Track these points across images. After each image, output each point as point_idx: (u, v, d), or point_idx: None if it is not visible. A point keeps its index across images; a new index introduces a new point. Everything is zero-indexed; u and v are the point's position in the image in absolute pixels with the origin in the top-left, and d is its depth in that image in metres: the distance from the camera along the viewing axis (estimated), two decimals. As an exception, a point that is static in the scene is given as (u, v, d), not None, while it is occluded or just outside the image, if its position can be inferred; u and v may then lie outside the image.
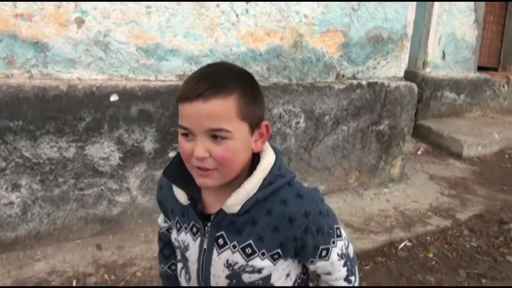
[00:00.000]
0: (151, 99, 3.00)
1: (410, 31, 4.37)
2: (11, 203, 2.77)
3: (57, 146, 2.79)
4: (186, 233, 1.31)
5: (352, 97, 4.00)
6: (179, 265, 1.41)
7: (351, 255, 1.34)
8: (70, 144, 2.83)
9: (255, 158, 1.23)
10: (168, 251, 1.58)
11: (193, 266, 1.30)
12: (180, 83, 3.01)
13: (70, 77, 2.83)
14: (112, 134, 2.94)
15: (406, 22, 4.29)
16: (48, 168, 2.81)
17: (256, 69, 3.44)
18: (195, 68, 3.18)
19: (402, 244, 3.45)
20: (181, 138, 1.16)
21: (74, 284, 2.64)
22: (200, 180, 1.16)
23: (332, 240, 1.26)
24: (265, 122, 1.21)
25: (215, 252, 1.25)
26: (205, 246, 1.26)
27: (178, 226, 1.34)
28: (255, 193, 1.17)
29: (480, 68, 7.27)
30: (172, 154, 3.18)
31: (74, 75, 2.84)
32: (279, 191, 1.20)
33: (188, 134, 1.12)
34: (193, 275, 1.32)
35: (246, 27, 3.33)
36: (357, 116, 4.09)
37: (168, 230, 1.54)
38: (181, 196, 1.26)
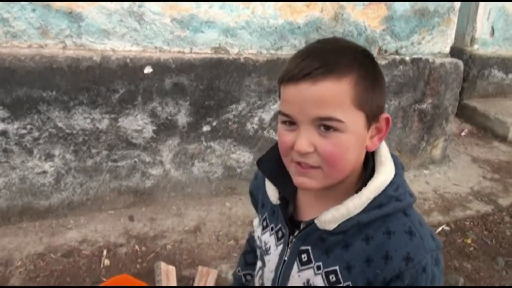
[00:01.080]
0: (185, 72, 2.96)
1: (457, 4, 4.15)
2: (45, 172, 2.80)
3: (91, 117, 2.79)
4: (270, 235, 1.16)
5: (394, 73, 3.85)
6: (258, 265, 1.26)
7: None
8: (104, 116, 2.82)
9: (368, 160, 1.04)
10: (251, 258, 1.44)
11: (269, 274, 1.15)
12: (215, 56, 2.97)
13: (104, 48, 2.80)
14: (145, 106, 2.91)
15: (454, -5, 4.09)
16: (81, 139, 2.81)
17: (294, 43, 3.34)
18: (231, 41, 3.12)
19: (440, 228, 3.34)
20: (281, 127, 0.99)
21: (104, 253, 2.66)
22: (298, 179, 0.99)
23: None
24: (385, 115, 1.00)
25: (295, 267, 1.08)
26: (285, 257, 1.10)
27: (265, 224, 1.20)
28: (358, 214, 0.98)
29: (531, 46, 6.94)
30: (206, 129, 3.14)
31: (107, 46, 2.81)
32: (388, 218, 0.99)
33: (290, 122, 0.96)
34: (267, 283, 1.17)
35: (285, -2, 3.22)
36: (399, 93, 3.95)
37: None
38: (271, 193, 1.12)
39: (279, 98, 1.00)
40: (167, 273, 2.50)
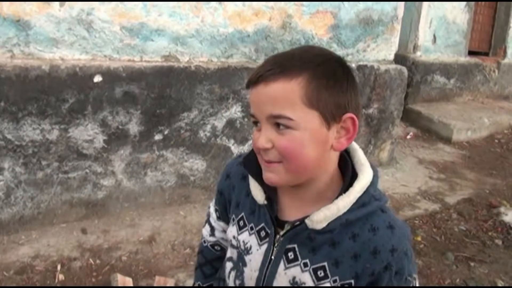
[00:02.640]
0: (136, 80, 2.94)
1: (400, 13, 4.32)
2: (-7, 186, 2.72)
3: (40, 128, 2.73)
4: (250, 235, 1.16)
5: (341, 80, 3.95)
6: (229, 266, 1.24)
7: None
8: (53, 126, 2.77)
9: (345, 165, 1.09)
10: (209, 270, 1.41)
11: (252, 273, 1.15)
12: (166, 64, 2.97)
13: (53, 57, 2.76)
14: (96, 116, 2.88)
15: (397, 4, 4.24)
16: (31, 150, 2.75)
17: (244, 51, 3.38)
18: (181, 49, 3.13)
19: (391, 228, 3.43)
20: (255, 129, 1.05)
21: (58, 268, 2.60)
22: (265, 175, 1.04)
23: None
24: (349, 114, 1.01)
25: (281, 265, 1.10)
26: (272, 256, 1.11)
27: (242, 223, 1.18)
28: (345, 213, 1.02)
29: (471, 53, 7.26)
30: (158, 138, 3.13)
31: (56, 55, 2.77)
32: (370, 216, 1.05)
33: (257, 122, 1.02)
34: (249, 283, 1.16)
35: (234, 7, 3.26)
36: (347, 99, 4.05)
37: (214, 246, 1.38)
38: (258, 193, 1.12)
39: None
40: (124, 285, 2.47)
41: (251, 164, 1.13)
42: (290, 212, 1.11)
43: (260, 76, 0.98)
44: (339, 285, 1.05)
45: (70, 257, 2.71)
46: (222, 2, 3.20)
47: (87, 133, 2.88)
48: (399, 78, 4.40)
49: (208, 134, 3.33)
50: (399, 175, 4.47)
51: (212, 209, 1.36)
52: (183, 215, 3.26)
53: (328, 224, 1.02)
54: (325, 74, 0.99)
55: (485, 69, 7.33)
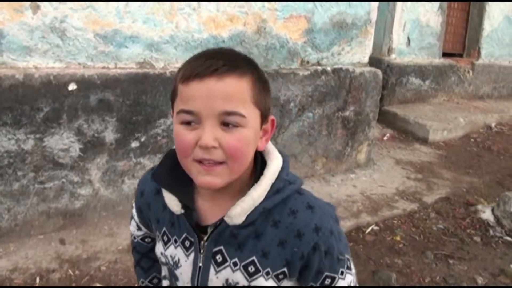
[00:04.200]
0: (110, 87, 2.93)
1: (374, 16, 4.38)
2: (-33, 198, 2.68)
3: (15, 138, 2.70)
4: (176, 247, 1.12)
5: (317, 83, 3.98)
6: (165, 283, 1.23)
7: None
8: (28, 136, 2.74)
9: (256, 160, 1.08)
10: (146, 263, 1.39)
11: (185, 286, 1.13)
12: (141, 70, 2.96)
13: (26, 65, 2.73)
14: (71, 124, 2.86)
15: (370, 8, 4.29)
16: (6, 161, 2.71)
17: (219, 56, 3.38)
18: (155, 55, 3.13)
19: (369, 228, 3.46)
20: (179, 128, 0.98)
21: (37, 281, 2.57)
22: (202, 179, 0.98)
23: (340, 270, 1.09)
24: (271, 117, 1.07)
25: (212, 270, 1.08)
26: (200, 264, 1.09)
27: (166, 238, 1.15)
28: (261, 202, 1.01)
29: (445, 54, 7.37)
30: (134, 145, 3.12)
31: (30, 64, 2.74)
32: (288, 200, 1.05)
33: (191, 122, 0.96)
34: None
35: (208, 13, 3.27)
36: (323, 102, 4.08)
37: (144, 239, 1.36)
38: (173, 203, 1.08)
39: (172, 100, 1.02)
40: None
41: (162, 175, 1.10)
42: (210, 216, 1.08)
43: (215, 70, 0.94)
44: (272, 276, 1.05)
45: (49, 268, 2.67)
46: (196, 8, 3.21)
47: (62, 142, 2.86)
48: (374, 80, 4.45)
49: (185, 140, 3.32)
50: (376, 176, 4.51)
51: (134, 211, 1.32)
52: (162, 223, 3.24)
53: (247, 217, 1.01)
54: (262, 78, 1.03)
55: (459, 70, 7.44)
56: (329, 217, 1.06)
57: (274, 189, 1.03)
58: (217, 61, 0.95)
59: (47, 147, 2.82)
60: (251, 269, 1.05)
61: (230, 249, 1.06)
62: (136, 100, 3.04)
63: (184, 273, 1.12)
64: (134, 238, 1.38)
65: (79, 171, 2.97)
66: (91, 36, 2.88)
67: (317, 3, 3.86)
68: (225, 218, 1.03)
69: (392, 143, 5.63)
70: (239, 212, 1.01)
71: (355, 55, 4.34)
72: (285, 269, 1.05)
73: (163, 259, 1.18)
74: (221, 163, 0.97)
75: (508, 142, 6.24)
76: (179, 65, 3.19)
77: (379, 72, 4.53)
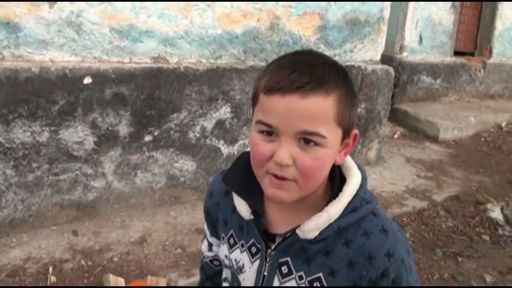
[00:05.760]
0: (125, 81, 2.96)
1: (387, 14, 4.37)
2: (-16, 189, 2.72)
3: (30, 130, 2.74)
4: (242, 252, 1.11)
5: (329, 80, 3.99)
6: (225, 285, 1.23)
7: None
8: (44, 128, 2.78)
9: (334, 174, 1.04)
10: (210, 285, 1.38)
11: None
12: (155, 65, 2.98)
13: (42, 59, 2.77)
14: (86, 118, 2.89)
15: (383, 6, 4.29)
16: (21, 153, 2.75)
17: (232, 52, 3.40)
18: (170, 50, 3.15)
19: (380, 226, 3.46)
20: (257, 137, 0.95)
21: (50, 270, 2.61)
22: (272, 191, 0.95)
23: None
24: (355, 131, 1.01)
25: (276, 280, 1.05)
26: (265, 272, 1.06)
27: (232, 241, 1.14)
28: (336, 219, 0.98)
29: (457, 53, 7.33)
30: (148, 139, 3.14)
31: (46, 57, 2.77)
32: (362, 220, 1.01)
33: (269, 132, 0.93)
34: None
35: (222, 8, 3.29)
36: (334, 99, 4.08)
37: (213, 261, 1.35)
38: (243, 208, 1.07)
39: (253, 103, 0.99)
40: (117, 285, 2.48)
41: (233, 179, 1.09)
42: (280, 224, 1.06)
43: (300, 87, 0.89)
44: None
45: (62, 259, 2.71)
46: (211, 4, 3.22)
47: (77, 135, 2.89)
48: (386, 78, 4.44)
49: (197, 135, 3.35)
50: (387, 173, 4.51)
51: (205, 225, 1.30)
52: (174, 216, 3.27)
53: (320, 233, 0.99)
54: (349, 92, 0.96)
55: (470, 69, 7.41)
56: (402, 245, 1.02)
57: (351, 207, 1.00)
58: (302, 76, 0.90)
59: (62, 139, 2.85)
60: (317, 285, 1.02)
61: (297, 262, 1.03)
62: (150, 95, 3.07)
63: (247, 280, 1.11)
64: (204, 258, 1.37)
65: (93, 163, 3.01)
66: (107, 30, 2.91)
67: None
68: (297, 231, 1.00)
69: (403, 141, 5.63)
70: (313, 227, 0.98)
71: (367, 52, 4.34)
72: None
73: (226, 262, 1.17)
74: (291, 180, 0.93)
75: (518, 142, 6.22)
76: (193, 60, 3.24)
77: (391, 69, 4.53)
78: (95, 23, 2.86)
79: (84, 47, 2.87)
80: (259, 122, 0.94)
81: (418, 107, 6.37)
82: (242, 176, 1.07)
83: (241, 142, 3.58)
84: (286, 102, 0.89)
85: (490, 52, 7.76)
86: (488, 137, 6.24)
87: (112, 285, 2.46)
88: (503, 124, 6.75)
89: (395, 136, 5.74)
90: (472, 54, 7.79)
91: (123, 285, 2.51)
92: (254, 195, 1.06)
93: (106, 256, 2.78)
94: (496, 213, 3.80)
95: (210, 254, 1.33)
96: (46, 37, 2.74)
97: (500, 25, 7.70)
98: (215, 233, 1.24)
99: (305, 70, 0.91)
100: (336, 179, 1.04)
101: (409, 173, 4.61)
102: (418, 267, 3.01)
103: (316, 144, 0.91)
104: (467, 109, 6.77)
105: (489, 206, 3.93)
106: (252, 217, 1.06)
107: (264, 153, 0.93)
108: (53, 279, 2.56)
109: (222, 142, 3.50)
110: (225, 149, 3.53)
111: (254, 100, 0.98)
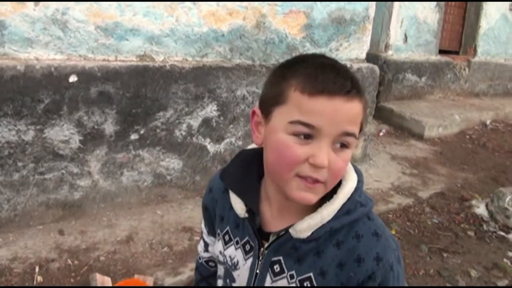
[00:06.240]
0: (111, 80, 2.95)
1: (372, 13, 4.40)
2: (-32, 188, 2.70)
3: (16, 129, 2.72)
4: (236, 249, 1.13)
5: (315, 78, 4.00)
6: (219, 283, 1.24)
7: None
8: (29, 127, 2.76)
9: None
10: (204, 285, 1.40)
11: None
12: (141, 63, 2.97)
13: (28, 57, 2.75)
14: (71, 116, 2.87)
15: (368, 4, 4.32)
16: (6, 152, 2.73)
17: (218, 50, 3.41)
18: (156, 48, 3.15)
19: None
20: (289, 139, 0.94)
21: (37, 270, 2.59)
22: (301, 194, 0.96)
23: None
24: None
25: (268, 279, 1.07)
26: (257, 270, 1.09)
27: (227, 238, 1.16)
28: (329, 221, 1.00)
29: (442, 52, 7.40)
30: (134, 137, 3.14)
31: (31, 55, 2.76)
32: (356, 222, 1.02)
33: (309, 135, 0.92)
34: None
35: (208, 6, 3.29)
36: (321, 97, 4.10)
37: (208, 262, 1.36)
38: (238, 206, 1.09)
39: (273, 103, 0.98)
40: (103, 284, 2.47)
41: (230, 176, 1.11)
42: (275, 223, 1.08)
43: (347, 92, 0.92)
44: None
45: (48, 258, 2.69)
46: (197, 2, 3.23)
47: (62, 134, 2.88)
48: (371, 76, 4.47)
49: (184, 133, 3.35)
50: (372, 171, 4.54)
51: (203, 224, 1.32)
52: (160, 214, 3.27)
53: (313, 233, 1.00)
54: (365, 98, 1.01)
55: (455, 67, 7.48)
56: (393, 251, 1.03)
57: (345, 210, 1.01)
58: (346, 81, 0.93)
59: (48, 138, 2.84)
60: (307, 284, 1.04)
61: (289, 261, 1.05)
62: (136, 93, 3.06)
63: (242, 277, 1.12)
64: (200, 258, 1.39)
65: (79, 162, 3.00)
66: (92, 28, 2.90)
67: (316, -2, 3.89)
68: (290, 230, 1.02)
69: (388, 139, 5.67)
70: (305, 227, 1.00)
71: (353, 51, 4.37)
72: None
73: (221, 258, 1.18)
74: (322, 182, 0.95)
75: (503, 139, 6.30)
76: (179, 58, 3.23)
77: (376, 68, 4.56)
78: (80, 21, 2.84)
79: (69, 45, 2.86)
80: (297, 122, 0.93)
81: (404, 105, 6.42)
82: (240, 174, 1.09)
83: (227, 140, 3.59)
84: (333, 104, 0.91)
85: (475, 50, 7.85)
86: (473, 135, 6.31)
87: (99, 284, 2.45)
88: (488, 122, 6.83)
89: (381, 134, 5.78)
90: (457, 53, 7.87)
91: (110, 284, 2.50)
92: (250, 193, 1.08)
93: (92, 255, 2.76)
94: (481, 209, 3.85)
95: (206, 255, 1.35)
96: (31, 35, 2.72)
97: (484, 24, 7.78)
98: (212, 231, 1.25)
99: (345, 74, 0.94)
100: None
101: (395, 171, 4.65)
102: (404, 263, 3.02)
103: (347, 146, 0.95)
104: (452, 107, 6.83)
105: (474, 202, 3.97)
106: (246, 215, 1.08)
107: (299, 155, 0.93)
108: (39, 278, 2.54)
109: (208, 140, 3.50)
110: (211, 147, 3.53)
111: (276, 100, 0.97)
